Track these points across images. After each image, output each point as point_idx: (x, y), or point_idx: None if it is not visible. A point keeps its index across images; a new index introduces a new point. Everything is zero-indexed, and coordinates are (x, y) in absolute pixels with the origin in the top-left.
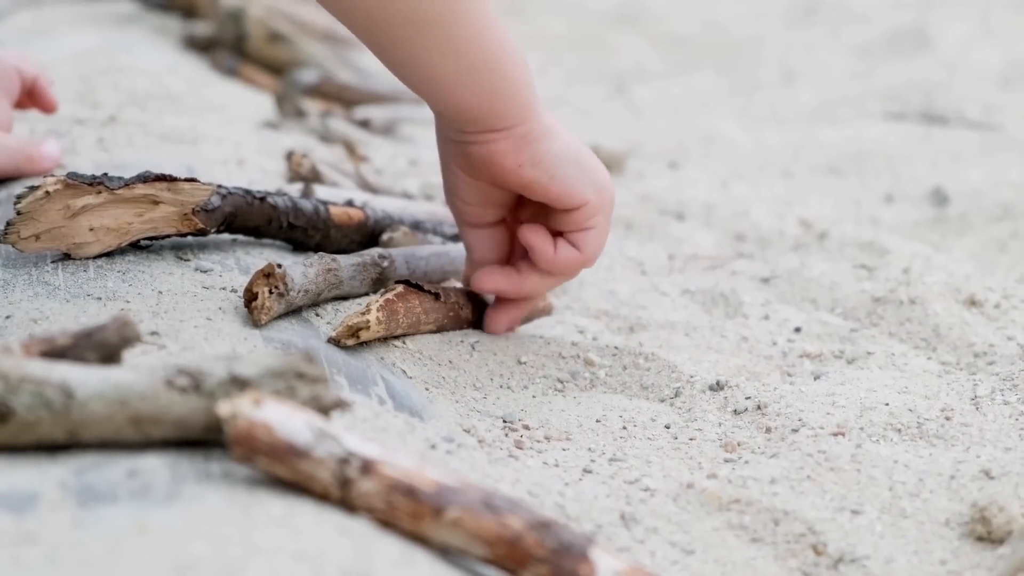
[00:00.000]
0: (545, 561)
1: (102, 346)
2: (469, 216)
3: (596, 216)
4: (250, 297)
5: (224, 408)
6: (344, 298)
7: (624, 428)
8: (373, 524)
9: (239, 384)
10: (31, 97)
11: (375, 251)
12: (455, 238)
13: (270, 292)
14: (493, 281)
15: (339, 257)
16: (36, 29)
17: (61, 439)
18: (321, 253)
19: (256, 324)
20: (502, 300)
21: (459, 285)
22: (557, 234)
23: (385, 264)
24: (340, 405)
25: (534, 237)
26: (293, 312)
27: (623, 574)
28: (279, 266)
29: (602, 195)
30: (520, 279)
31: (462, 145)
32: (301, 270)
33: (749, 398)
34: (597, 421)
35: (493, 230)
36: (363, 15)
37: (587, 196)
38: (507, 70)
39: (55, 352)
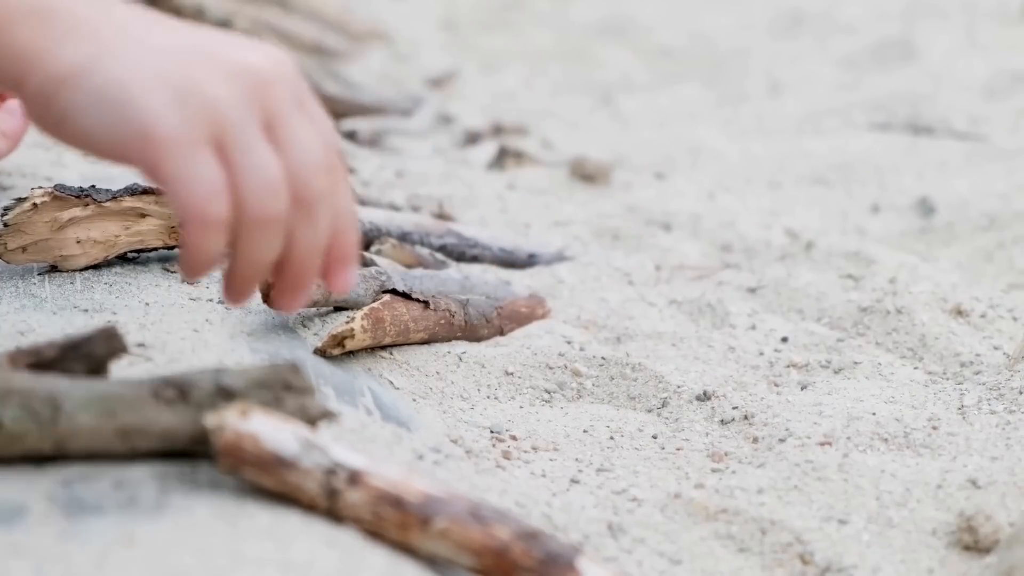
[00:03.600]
0: (532, 571)
1: (89, 358)
2: None
3: (159, 167)
4: (266, 289)
5: (211, 420)
6: (349, 307)
7: (611, 438)
8: (360, 535)
9: (226, 395)
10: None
11: (372, 268)
12: (442, 249)
13: None
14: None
15: None
16: None
17: (48, 451)
18: None
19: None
20: None
21: (454, 296)
22: None
23: (383, 278)
24: (327, 416)
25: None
26: (280, 325)
27: None
28: None
29: (147, 134)
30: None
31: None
32: None
33: (736, 408)
34: (584, 431)
35: None
36: None
37: (128, 147)
38: None
39: (41, 364)
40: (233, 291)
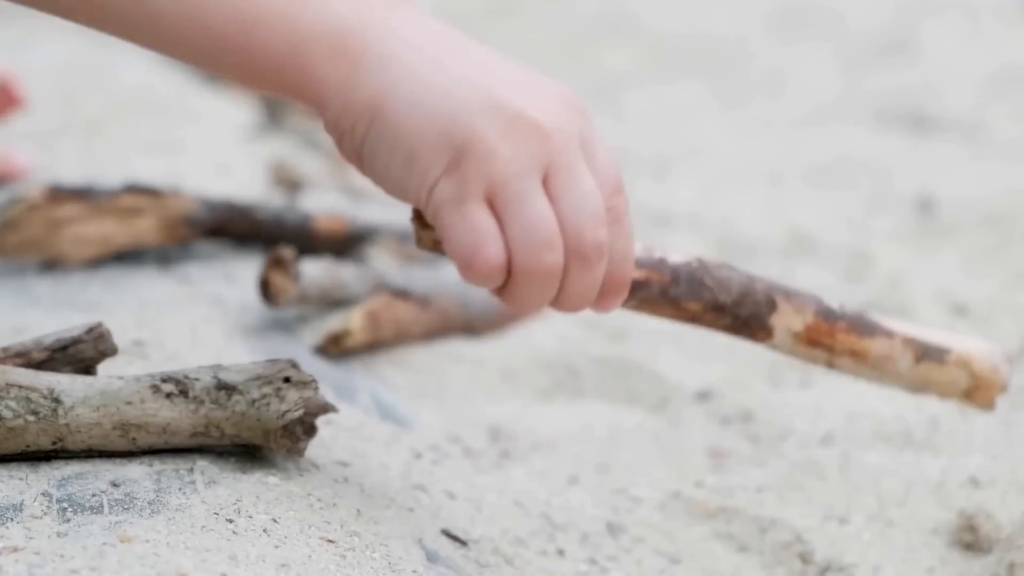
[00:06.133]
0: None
1: (78, 359)
2: None
3: (438, 214)
4: (265, 284)
5: None
6: (348, 304)
7: (610, 437)
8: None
9: (226, 390)
10: (2, 93)
11: (370, 268)
12: None
13: (284, 276)
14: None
15: (338, 264)
16: (19, 40)
17: (47, 446)
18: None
19: (275, 306)
20: None
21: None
22: None
23: (382, 277)
24: (327, 410)
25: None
26: (278, 323)
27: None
28: (288, 250)
29: (426, 195)
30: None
31: None
32: (307, 266)
33: (736, 406)
34: (583, 430)
35: None
36: (86, 19)
37: (416, 196)
38: (257, 49)
39: (30, 366)
40: (519, 311)
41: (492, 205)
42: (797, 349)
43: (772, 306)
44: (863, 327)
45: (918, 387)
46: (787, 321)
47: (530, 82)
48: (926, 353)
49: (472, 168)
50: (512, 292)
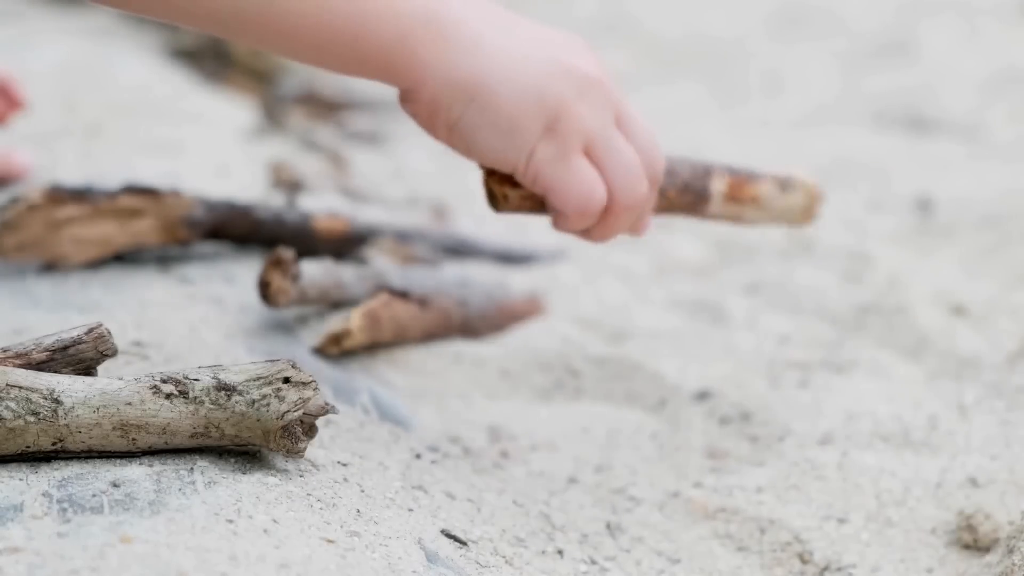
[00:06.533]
0: None
1: (78, 360)
2: None
3: (539, 180)
4: (265, 285)
5: None
6: (348, 304)
7: (610, 437)
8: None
9: (226, 390)
10: (2, 95)
11: (369, 267)
12: (440, 248)
13: (283, 277)
14: (556, 227)
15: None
16: (18, 41)
17: (47, 447)
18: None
19: (275, 307)
20: None
21: (451, 295)
22: None
23: (381, 277)
24: (327, 410)
25: (554, 225)
26: (277, 324)
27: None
28: (287, 251)
29: (529, 161)
30: (564, 223)
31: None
32: (307, 266)
33: (735, 407)
34: (583, 430)
35: None
36: (187, 16)
37: (514, 165)
38: (371, 36)
39: (30, 366)
40: (598, 240)
41: (589, 156)
42: (723, 209)
43: (708, 174)
44: (751, 176)
45: (781, 216)
46: (718, 185)
47: (567, 41)
48: (785, 184)
49: (568, 129)
50: (606, 226)
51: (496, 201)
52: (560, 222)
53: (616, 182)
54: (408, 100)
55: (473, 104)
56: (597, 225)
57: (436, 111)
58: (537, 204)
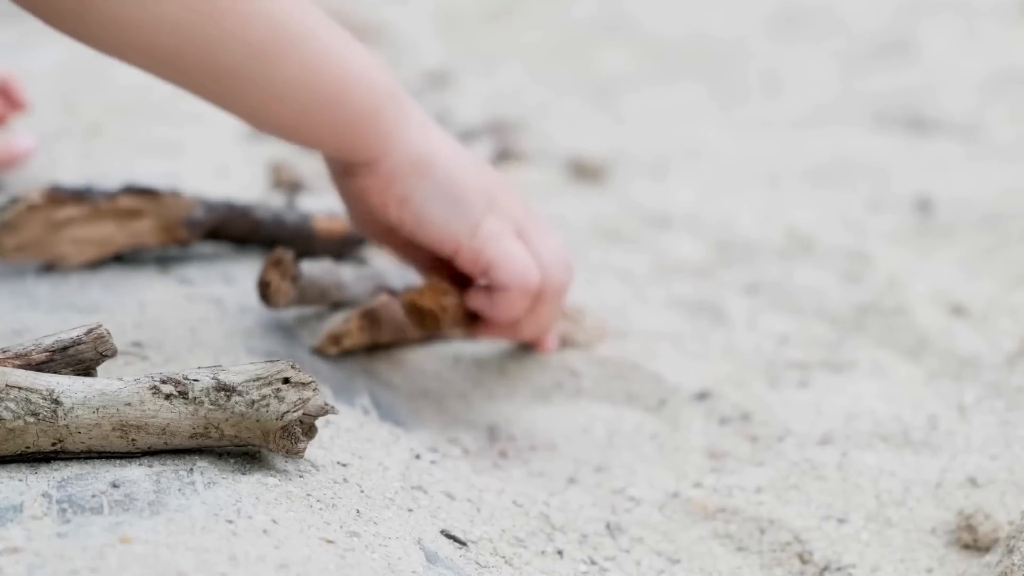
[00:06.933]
0: None
1: (77, 360)
2: (380, 237)
3: (483, 253)
4: (264, 286)
5: None
6: (347, 305)
7: (609, 438)
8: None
9: (225, 390)
10: (3, 96)
11: (368, 268)
12: None
13: (283, 277)
14: (475, 304)
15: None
16: (17, 42)
17: (47, 447)
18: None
19: (274, 307)
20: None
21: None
22: None
23: (380, 278)
24: (327, 411)
25: (472, 303)
26: (277, 324)
27: None
28: (287, 251)
29: (476, 233)
30: (493, 304)
31: (336, 176)
32: (306, 266)
33: (735, 407)
34: (582, 431)
35: (414, 246)
36: (170, 74)
37: (459, 240)
38: (350, 105)
39: (29, 367)
40: (529, 339)
41: (521, 238)
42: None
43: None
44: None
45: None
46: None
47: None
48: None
49: (507, 207)
50: (536, 315)
51: (428, 320)
52: (498, 305)
53: (545, 262)
54: (359, 175)
55: (426, 179)
56: (528, 314)
57: (391, 183)
58: (465, 318)
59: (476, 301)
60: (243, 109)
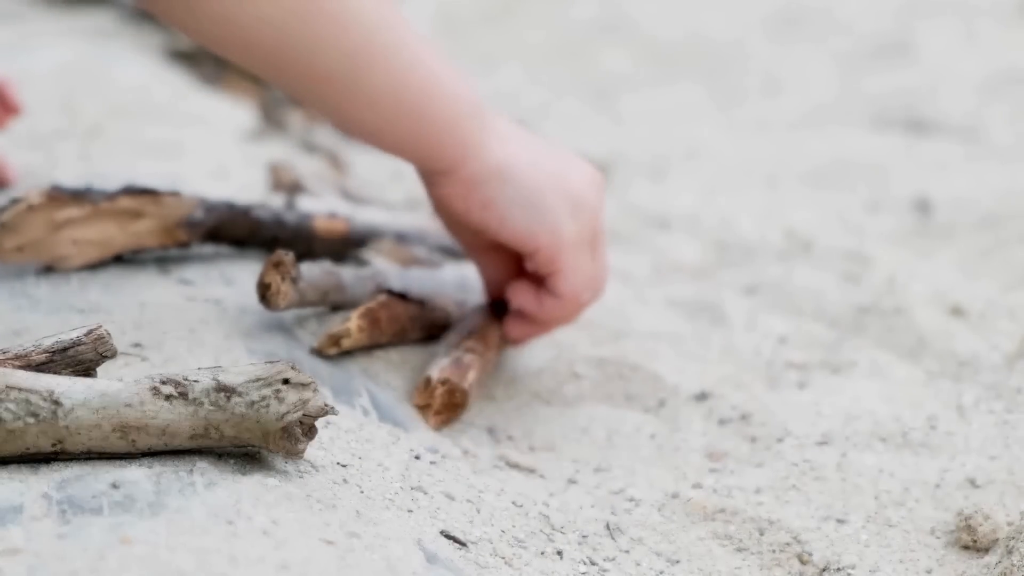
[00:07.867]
0: None
1: (77, 361)
2: (465, 241)
3: (558, 259)
4: (264, 287)
5: None
6: (347, 306)
7: (609, 438)
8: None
9: (225, 391)
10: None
11: (368, 268)
12: (439, 249)
13: (283, 279)
14: (519, 298)
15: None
16: (17, 43)
17: (47, 448)
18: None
19: (274, 309)
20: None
21: (451, 295)
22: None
23: (380, 278)
24: (327, 411)
25: (515, 296)
26: (277, 325)
27: None
28: (287, 253)
29: (557, 236)
30: (538, 303)
31: (424, 184)
32: (306, 267)
33: (734, 408)
34: (582, 431)
35: (495, 252)
36: (268, 72)
37: (539, 241)
38: (433, 114)
39: (29, 368)
40: (527, 339)
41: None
42: None
43: None
44: None
45: None
46: None
47: (575, 160)
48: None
49: (586, 217)
50: (563, 319)
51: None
52: (544, 307)
53: (598, 280)
54: (440, 183)
55: (507, 185)
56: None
57: (472, 190)
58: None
59: (521, 298)
60: (331, 112)
